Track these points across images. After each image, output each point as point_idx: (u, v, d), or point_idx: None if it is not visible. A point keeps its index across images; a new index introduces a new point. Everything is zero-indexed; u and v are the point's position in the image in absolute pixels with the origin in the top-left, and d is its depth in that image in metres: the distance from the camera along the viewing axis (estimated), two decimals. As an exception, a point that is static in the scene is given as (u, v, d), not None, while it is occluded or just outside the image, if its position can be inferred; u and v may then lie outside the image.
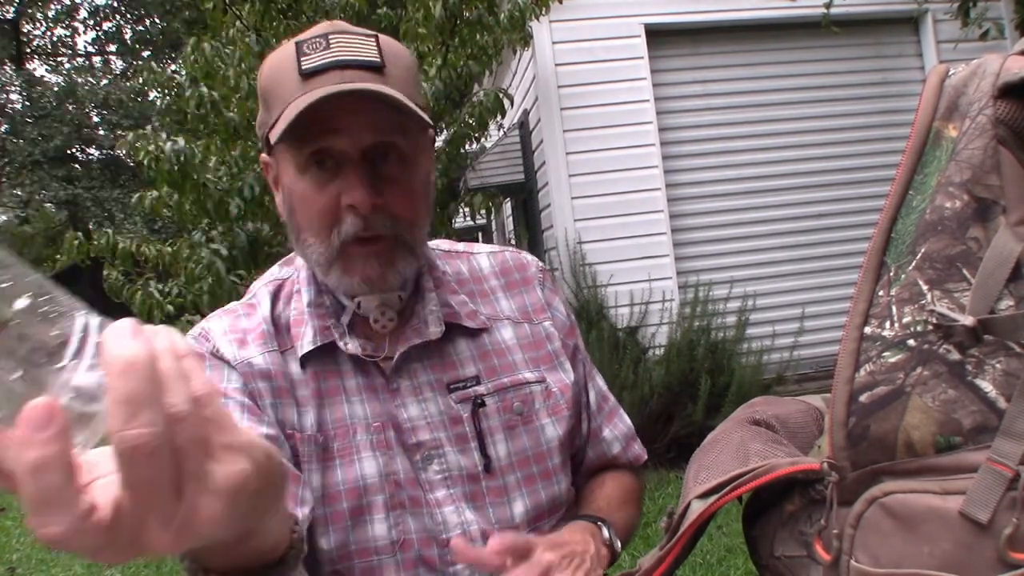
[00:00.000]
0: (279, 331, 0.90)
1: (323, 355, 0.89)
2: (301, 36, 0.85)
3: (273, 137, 0.83)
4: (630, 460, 1.05)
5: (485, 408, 0.90)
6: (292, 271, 0.96)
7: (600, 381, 1.06)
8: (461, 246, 1.04)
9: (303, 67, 0.82)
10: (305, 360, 0.88)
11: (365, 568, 0.84)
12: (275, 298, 0.93)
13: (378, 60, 0.84)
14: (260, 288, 0.95)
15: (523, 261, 1.03)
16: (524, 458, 0.91)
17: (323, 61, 0.82)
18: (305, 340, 0.88)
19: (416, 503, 0.86)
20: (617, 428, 1.05)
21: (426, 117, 0.84)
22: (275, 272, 0.98)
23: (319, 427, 0.86)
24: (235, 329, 0.89)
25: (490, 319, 0.96)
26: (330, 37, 0.84)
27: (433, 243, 1.02)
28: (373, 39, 0.85)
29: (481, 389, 0.91)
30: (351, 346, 0.88)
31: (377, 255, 0.85)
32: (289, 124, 0.79)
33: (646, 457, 1.08)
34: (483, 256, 1.02)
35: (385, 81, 0.83)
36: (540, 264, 1.05)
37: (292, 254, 0.97)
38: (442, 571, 0.86)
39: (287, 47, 0.86)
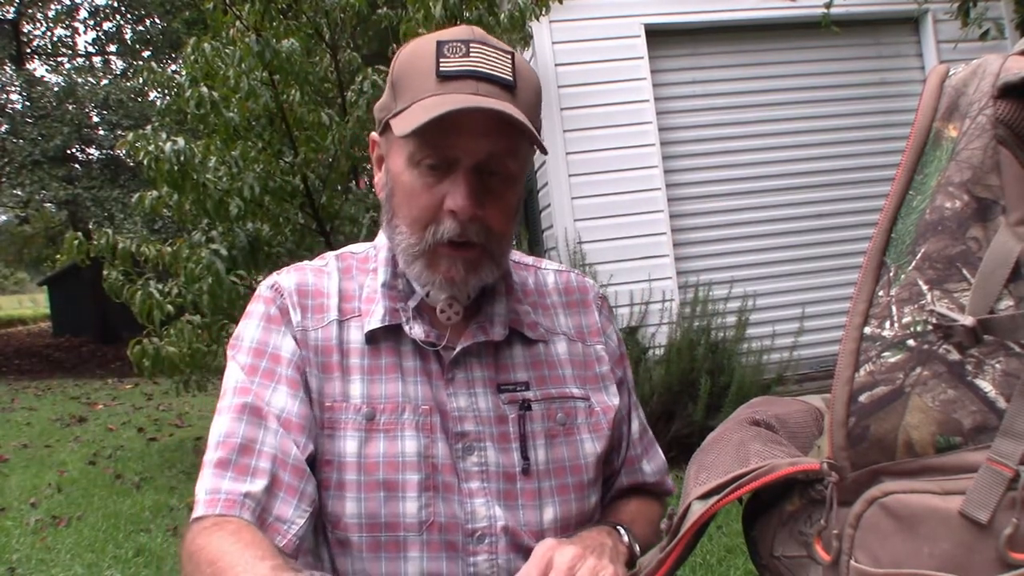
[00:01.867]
0: (346, 299, 0.95)
1: (387, 333, 0.93)
2: (442, 36, 0.88)
3: (397, 128, 0.85)
4: (662, 491, 1.09)
5: (531, 412, 0.94)
6: (367, 248, 1.01)
7: (642, 414, 1.09)
8: (530, 259, 1.08)
9: (441, 68, 0.85)
10: (370, 336, 0.92)
11: (391, 541, 0.87)
12: (342, 272, 0.98)
13: (511, 79, 0.86)
14: (331, 258, 1.00)
15: (585, 285, 1.07)
16: (561, 467, 0.94)
17: (461, 67, 0.85)
18: (374, 317, 0.93)
19: (448, 489, 0.89)
20: (654, 461, 1.08)
21: (542, 143, 0.87)
22: (350, 248, 1.03)
23: (368, 399, 0.90)
24: (301, 289, 0.94)
25: (548, 332, 1.00)
26: (471, 45, 0.87)
27: None
28: (510, 57, 0.88)
29: (530, 395, 0.95)
30: (416, 331, 0.92)
31: (465, 261, 0.89)
32: (419, 127, 0.81)
33: (674, 491, 1.10)
34: (550, 273, 1.07)
35: (515, 101, 0.86)
36: (600, 291, 1.09)
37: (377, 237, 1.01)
38: (463, 558, 0.88)
39: (427, 42, 0.89)
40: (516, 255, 1.06)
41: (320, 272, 0.97)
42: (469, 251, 0.89)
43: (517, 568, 0.89)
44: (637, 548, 0.93)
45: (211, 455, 0.85)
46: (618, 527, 0.95)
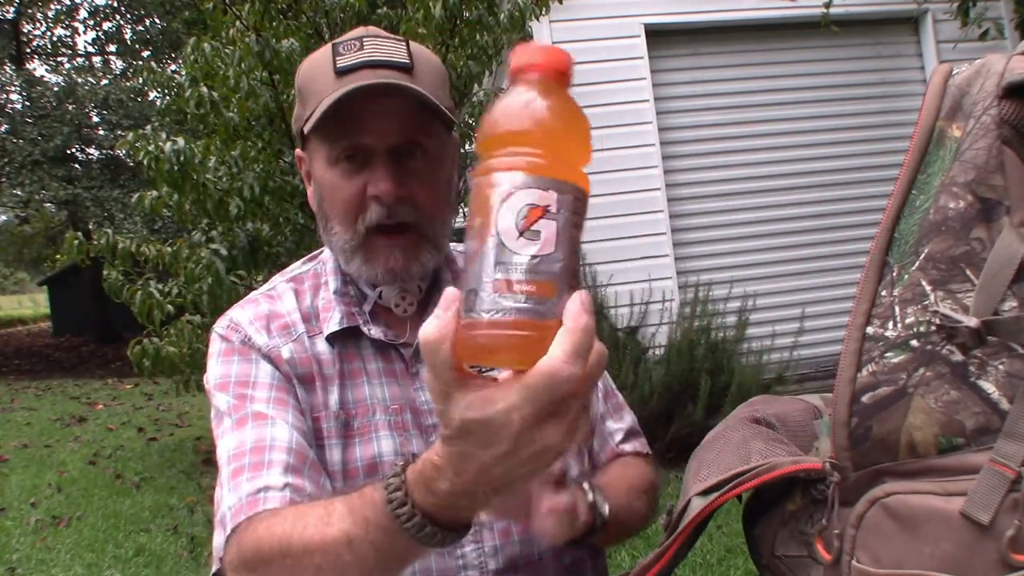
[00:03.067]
0: (306, 319, 0.95)
1: (347, 338, 0.94)
2: (339, 39, 0.93)
3: (307, 129, 0.90)
4: (634, 451, 1.07)
5: None
6: (314, 265, 1.02)
7: (608, 379, 1.09)
8: None
9: (338, 65, 0.89)
10: (331, 340, 0.93)
11: None
12: (297, 292, 0.98)
13: (408, 61, 0.90)
14: (280, 283, 1.00)
15: None
16: None
17: (357, 60, 0.89)
18: (332, 322, 0.94)
19: None
20: (622, 421, 1.07)
21: (449, 115, 0.90)
22: (296, 267, 1.03)
23: (341, 405, 0.91)
24: (259, 317, 0.94)
25: None
26: (364, 40, 0.91)
27: (452, 244, 1.07)
28: (404, 43, 0.92)
29: (493, 373, 0.94)
30: (374, 331, 0.94)
31: (402, 248, 0.91)
32: (321, 115, 0.86)
33: (649, 452, 1.09)
34: None
35: (413, 81, 0.89)
36: None
37: (318, 251, 1.03)
38: (450, 551, 0.88)
39: (325, 49, 0.93)
40: (462, 246, 1.07)
41: (272, 298, 0.98)
42: (403, 236, 0.91)
43: (505, 553, 0.89)
44: (605, 509, 0.86)
45: (224, 472, 0.83)
46: (584, 484, 0.88)
